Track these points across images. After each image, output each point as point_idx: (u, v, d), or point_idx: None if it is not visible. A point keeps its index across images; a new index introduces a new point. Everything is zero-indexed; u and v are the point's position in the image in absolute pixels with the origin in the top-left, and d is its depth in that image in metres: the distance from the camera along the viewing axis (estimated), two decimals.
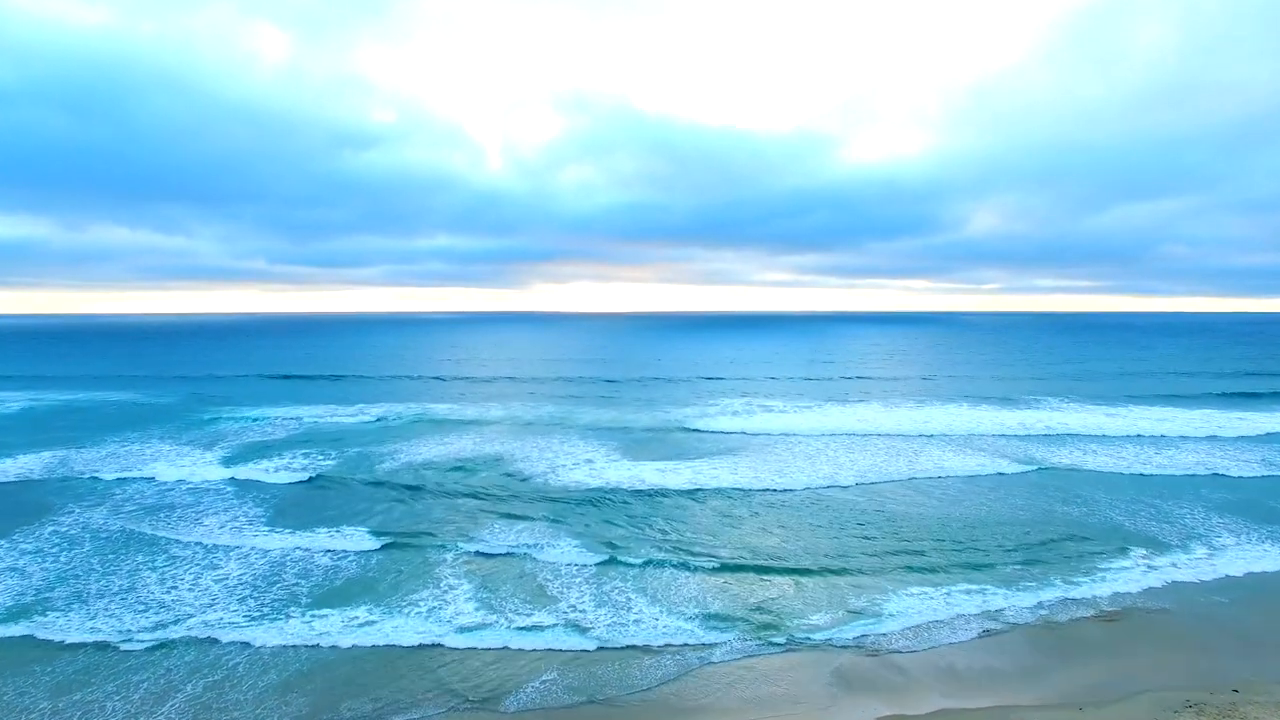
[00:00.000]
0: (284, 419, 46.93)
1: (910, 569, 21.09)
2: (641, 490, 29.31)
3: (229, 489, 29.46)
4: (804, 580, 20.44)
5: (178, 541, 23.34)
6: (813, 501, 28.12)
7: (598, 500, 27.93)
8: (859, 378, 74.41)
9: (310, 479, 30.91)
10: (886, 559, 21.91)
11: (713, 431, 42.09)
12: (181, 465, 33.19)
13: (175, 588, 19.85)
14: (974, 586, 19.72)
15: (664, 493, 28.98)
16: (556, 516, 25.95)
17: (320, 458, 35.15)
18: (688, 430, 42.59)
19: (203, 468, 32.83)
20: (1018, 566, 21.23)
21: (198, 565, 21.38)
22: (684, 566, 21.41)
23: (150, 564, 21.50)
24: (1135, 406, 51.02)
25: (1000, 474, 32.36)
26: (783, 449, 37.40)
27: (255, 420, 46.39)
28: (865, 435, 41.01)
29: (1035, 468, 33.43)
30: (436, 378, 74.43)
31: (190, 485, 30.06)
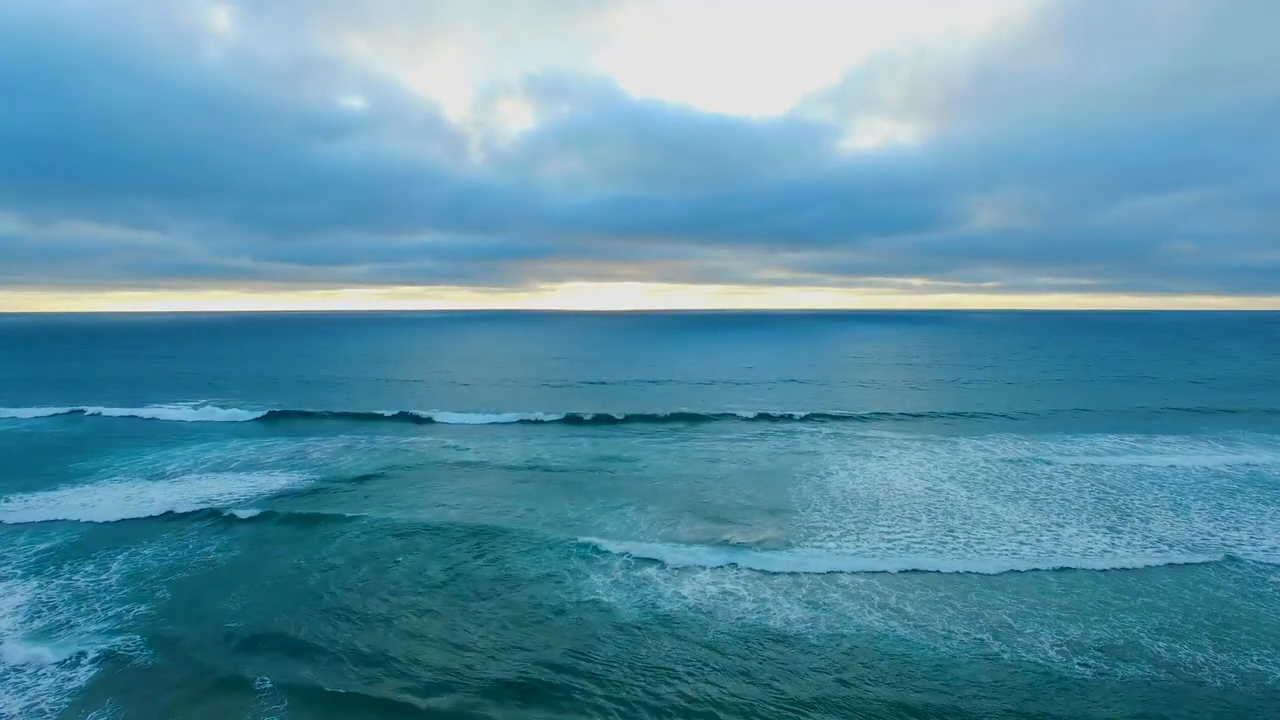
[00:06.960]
0: (148, 507, 28.32)
1: None
2: None
3: None
4: None
5: None
6: None
7: None
8: (1014, 416, 52.88)
9: None
10: None
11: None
12: None
13: None
14: None
15: None
16: None
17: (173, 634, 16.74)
18: (820, 573, 24.49)
19: None
20: None
21: None
22: None
23: None
24: None
25: None
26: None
27: (93, 525, 27.62)
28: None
29: None
30: (416, 417, 55.51)
31: None
